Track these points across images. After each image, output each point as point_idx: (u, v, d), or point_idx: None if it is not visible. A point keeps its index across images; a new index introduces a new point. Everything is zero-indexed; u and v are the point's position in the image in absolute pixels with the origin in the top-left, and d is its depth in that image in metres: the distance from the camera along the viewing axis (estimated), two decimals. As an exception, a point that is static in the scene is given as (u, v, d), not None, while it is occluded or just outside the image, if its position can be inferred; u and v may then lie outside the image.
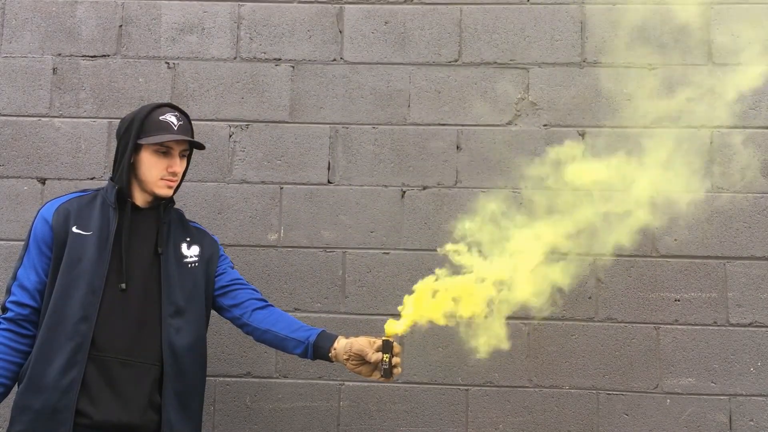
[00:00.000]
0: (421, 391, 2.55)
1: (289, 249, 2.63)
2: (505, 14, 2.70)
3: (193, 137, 2.09)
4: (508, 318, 2.54)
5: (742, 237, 2.55)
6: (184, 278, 2.03)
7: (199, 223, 2.26)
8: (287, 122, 2.70)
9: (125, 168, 2.00)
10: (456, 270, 2.10)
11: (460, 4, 2.71)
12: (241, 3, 2.76)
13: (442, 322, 2.00)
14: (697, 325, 2.52)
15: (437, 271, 2.07)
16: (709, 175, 2.58)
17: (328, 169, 2.67)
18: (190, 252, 2.08)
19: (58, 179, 2.68)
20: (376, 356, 1.92)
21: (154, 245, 2.01)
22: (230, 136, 2.70)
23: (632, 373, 2.51)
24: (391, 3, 2.74)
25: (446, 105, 2.67)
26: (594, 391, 2.52)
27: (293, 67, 2.73)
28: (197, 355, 2.03)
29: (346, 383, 2.55)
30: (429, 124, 2.67)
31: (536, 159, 2.57)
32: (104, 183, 2.17)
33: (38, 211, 2.02)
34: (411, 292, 2.04)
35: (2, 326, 1.94)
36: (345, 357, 1.95)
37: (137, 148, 2.00)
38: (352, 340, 1.96)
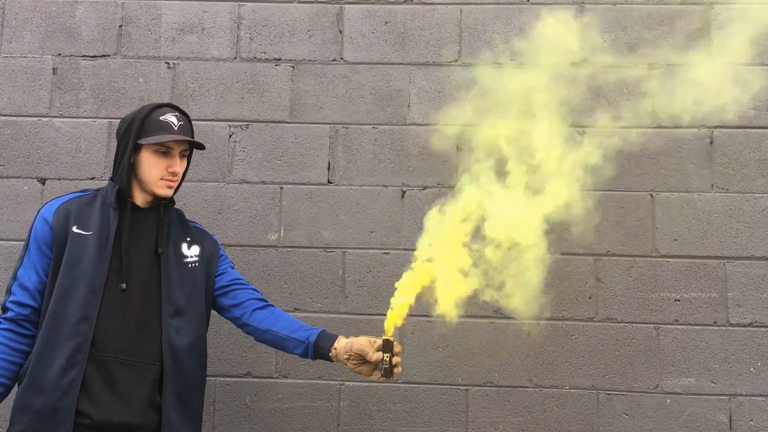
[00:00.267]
0: (421, 391, 2.55)
1: (289, 249, 2.63)
2: (505, 14, 2.70)
3: (193, 137, 2.09)
4: (509, 318, 2.55)
5: (742, 237, 2.55)
6: (184, 278, 2.03)
7: (199, 223, 2.26)
8: (287, 122, 2.70)
9: (125, 168, 1.99)
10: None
11: (460, 4, 2.71)
12: (241, 3, 2.77)
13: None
14: (697, 325, 2.52)
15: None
16: (709, 175, 2.58)
17: (328, 169, 2.67)
18: (191, 252, 2.08)
19: (58, 179, 2.68)
20: (376, 356, 1.92)
21: (154, 245, 2.01)
22: (230, 136, 2.70)
23: (632, 373, 2.51)
24: (391, 3, 2.74)
25: (446, 105, 2.67)
26: (594, 391, 2.52)
27: (293, 67, 2.73)
28: (197, 355, 2.02)
29: (346, 383, 2.55)
30: (429, 124, 2.67)
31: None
32: (104, 183, 2.17)
33: (38, 211, 2.02)
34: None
35: (2, 326, 1.94)
36: (345, 357, 1.95)
37: (137, 148, 2.00)
38: (353, 339, 1.97)
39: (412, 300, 2.02)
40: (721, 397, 2.49)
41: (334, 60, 2.73)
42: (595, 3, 2.67)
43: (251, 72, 2.73)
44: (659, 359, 2.51)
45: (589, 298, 2.56)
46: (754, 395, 2.48)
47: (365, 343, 1.94)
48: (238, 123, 2.70)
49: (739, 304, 2.52)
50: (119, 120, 2.11)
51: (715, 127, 2.61)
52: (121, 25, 2.77)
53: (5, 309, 1.97)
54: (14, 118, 2.72)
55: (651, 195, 2.59)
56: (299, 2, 2.76)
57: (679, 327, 2.53)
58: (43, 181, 2.69)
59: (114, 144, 2.14)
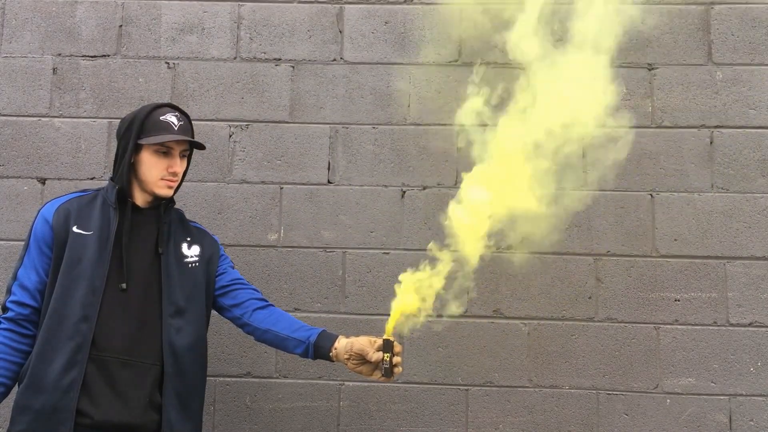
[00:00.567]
0: (421, 391, 2.55)
1: (289, 249, 2.63)
2: (505, 14, 2.70)
3: (193, 137, 2.09)
4: (509, 318, 2.55)
5: (742, 237, 2.55)
6: (184, 278, 2.03)
7: (199, 223, 2.26)
8: (287, 122, 2.70)
9: (125, 168, 1.99)
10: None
11: (460, 4, 2.71)
12: (241, 3, 2.77)
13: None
14: (697, 325, 2.52)
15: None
16: (709, 175, 2.59)
17: (328, 169, 2.67)
18: (191, 252, 2.08)
19: (58, 179, 2.68)
20: (376, 356, 1.92)
21: (154, 245, 2.01)
22: (230, 136, 2.70)
23: (632, 373, 2.51)
24: (391, 3, 2.74)
25: (446, 105, 2.67)
26: (594, 391, 2.52)
27: (293, 67, 2.73)
28: (197, 355, 2.03)
29: (346, 383, 2.55)
30: (429, 124, 2.67)
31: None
32: (104, 183, 2.17)
33: (38, 211, 2.02)
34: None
35: (3, 326, 1.94)
36: (346, 357, 1.96)
37: (137, 148, 2.00)
38: (353, 339, 1.97)
39: (413, 306, 2.02)
40: (721, 397, 2.49)
41: (334, 60, 2.73)
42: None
43: (251, 72, 2.73)
44: (659, 359, 2.51)
45: (589, 298, 2.56)
46: (754, 395, 2.48)
47: (365, 343, 1.94)
48: (238, 123, 2.70)
49: (739, 304, 2.52)
50: (119, 120, 2.11)
51: (715, 127, 2.61)
52: (121, 25, 2.77)
53: (5, 309, 1.97)
54: (14, 118, 2.72)
55: (651, 195, 2.59)
56: (299, 2, 2.76)
57: (679, 327, 2.53)
58: (43, 181, 2.69)
59: (114, 144, 2.14)
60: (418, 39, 2.71)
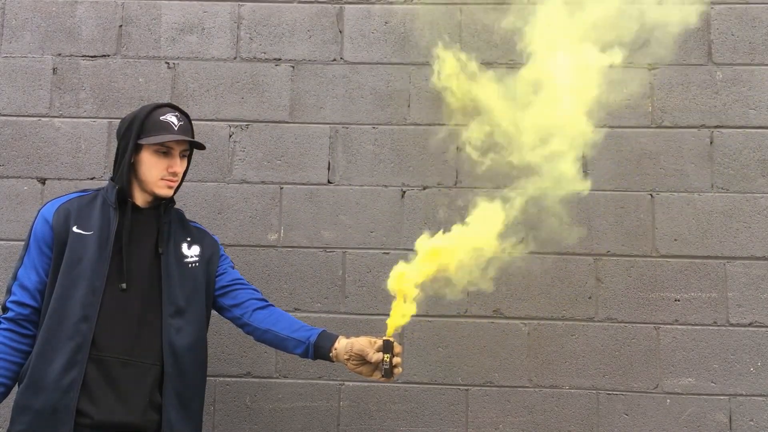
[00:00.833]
0: (421, 391, 2.55)
1: (289, 249, 2.63)
2: (505, 14, 2.70)
3: (193, 137, 2.09)
4: (509, 318, 2.55)
5: (742, 237, 2.55)
6: (184, 278, 2.03)
7: (199, 223, 2.26)
8: (287, 122, 2.70)
9: (126, 168, 1.99)
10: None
11: (460, 4, 2.71)
12: (241, 3, 2.77)
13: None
14: (697, 325, 2.52)
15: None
16: (709, 175, 2.59)
17: (328, 169, 2.67)
18: (191, 252, 2.08)
19: (58, 179, 2.68)
20: (376, 356, 1.92)
21: (154, 245, 2.01)
22: (230, 136, 2.70)
23: (632, 373, 2.51)
24: (391, 3, 2.74)
25: (446, 105, 2.67)
26: (594, 391, 2.52)
27: (293, 67, 2.73)
28: (197, 355, 2.02)
29: (346, 383, 2.55)
30: (429, 124, 2.67)
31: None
32: (104, 183, 2.17)
33: (38, 211, 2.02)
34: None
35: (3, 326, 1.94)
36: (346, 357, 1.95)
37: (138, 148, 2.00)
38: (353, 340, 1.96)
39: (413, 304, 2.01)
40: (721, 397, 2.49)
41: (334, 60, 2.73)
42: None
43: (251, 72, 2.73)
44: (659, 359, 2.52)
45: (589, 298, 2.56)
46: (754, 395, 2.48)
47: (365, 344, 1.94)
48: (238, 123, 2.70)
49: (739, 304, 2.52)
50: (119, 120, 2.11)
51: (715, 127, 2.61)
52: (121, 25, 2.77)
53: (5, 309, 1.97)
54: (14, 118, 2.72)
55: (651, 195, 2.59)
56: (299, 2, 2.76)
57: (679, 327, 2.53)
58: (43, 181, 2.69)
59: (114, 144, 2.14)
60: (418, 39, 2.71)
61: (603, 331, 2.54)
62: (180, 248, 2.06)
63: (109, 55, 2.76)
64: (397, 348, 1.93)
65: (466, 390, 2.55)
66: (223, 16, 2.76)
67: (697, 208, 2.57)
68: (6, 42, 2.76)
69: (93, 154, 2.70)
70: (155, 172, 2.01)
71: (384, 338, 1.93)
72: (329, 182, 2.66)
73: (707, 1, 2.66)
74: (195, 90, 2.72)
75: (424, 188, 2.64)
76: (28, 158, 2.70)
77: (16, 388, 1.94)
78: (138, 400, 1.91)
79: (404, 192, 2.65)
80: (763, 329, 2.51)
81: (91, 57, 2.76)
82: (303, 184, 2.66)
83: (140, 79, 2.73)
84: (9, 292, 1.97)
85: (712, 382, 2.50)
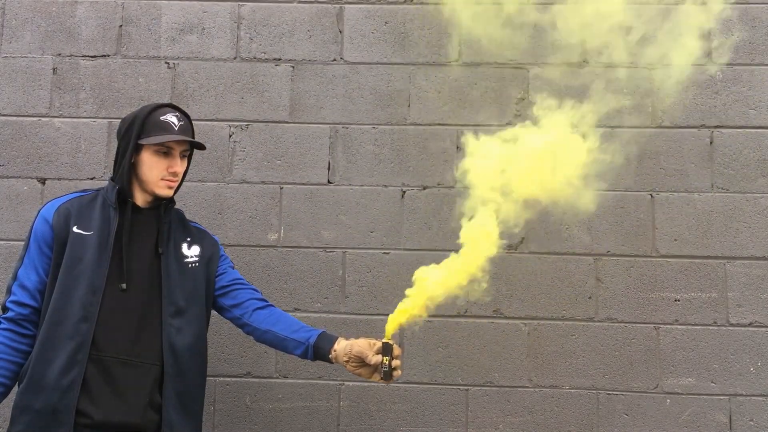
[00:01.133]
0: (421, 391, 2.55)
1: (289, 249, 2.63)
2: (505, 14, 2.70)
3: (193, 137, 2.09)
4: (509, 318, 2.55)
5: (742, 237, 2.55)
6: (184, 278, 2.03)
7: (199, 223, 2.26)
8: (287, 122, 2.70)
9: (126, 168, 1.99)
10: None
11: (460, 4, 2.71)
12: (241, 3, 2.76)
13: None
14: (697, 325, 2.52)
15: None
16: (709, 175, 2.59)
17: (328, 169, 2.67)
18: (191, 252, 2.08)
19: (58, 179, 2.68)
20: (375, 358, 1.92)
21: (154, 245, 2.01)
22: (230, 136, 2.70)
23: (632, 373, 2.52)
24: (391, 3, 2.74)
25: (446, 105, 2.67)
26: (594, 391, 2.52)
27: (293, 67, 2.73)
28: (197, 355, 2.02)
29: (346, 383, 2.55)
30: (429, 124, 2.67)
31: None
32: (104, 183, 2.17)
33: (38, 211, 2.02)
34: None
35: (3, 326, 1.94)
36: (345, 359, 1.95)
37: (138, 149, 2.00)
38: (352, 341, 1.96)
39: (417, 310, 2.00)
40: (721, 397, 2.49)
41: (334, 60, 2.73)
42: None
43: (251, 72, 2.73)
44: (659, 359, 2.52)
45: (589, 298, 2.56)
46: (754, 395, 2.48)
47: (365, 346, 1.94)
48: (238, 123, 2.70)
49: (739, 304, 2.52)
50: (119, 120, 2.11)
51: (715, 127, 2.61)
52: (121, 25, 2.77)
53: (5, 309, 1.97)
54: (14, 118, 2.72)
55: (651, 195, 2.59)
56: (299, 2, 2.76)
57: (679, 327, 2.53)
58: (43, 181, 2.69)
59: (114, 144, 2.14)
60: (418, 39, 2.71)
61: (603, 331, 2.54)
62: (180, 248, 2.06)
63: (109, 55, 2.76)
64: (397, 351, 1.93)
65: (466, 390, 2.55)
66: (223, 16, 2.76)
67: (697, 208, 2.57)
68: (6, 42, 2.76)
69: (93, 154, 2.70)
70: (155, 172, 2.01)
71: (383, 341, 1.93)
72: (329, 182, 2.66)
73: (707, 1, 2.66)
74: (195, 90, 2.72)
75: (424, 188, 2.64)
76: (28, 158, 2.70)
77: (16, 388, 1.94)
78: (138, 400, 1.91)
79: (404, 192, 2.65)
80: (763, 329, 2.51)
81: (91, 57, 2.76)
82: (303, 184, 2.66)
83: (140, 79, 2.74)
84: (9, 292, 1.97)
85: (712, 382, 2.50)
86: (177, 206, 2.15)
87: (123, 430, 1.89)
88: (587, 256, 2.57)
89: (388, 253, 2.62)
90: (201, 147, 2.10)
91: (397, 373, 1.93)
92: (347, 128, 2.68)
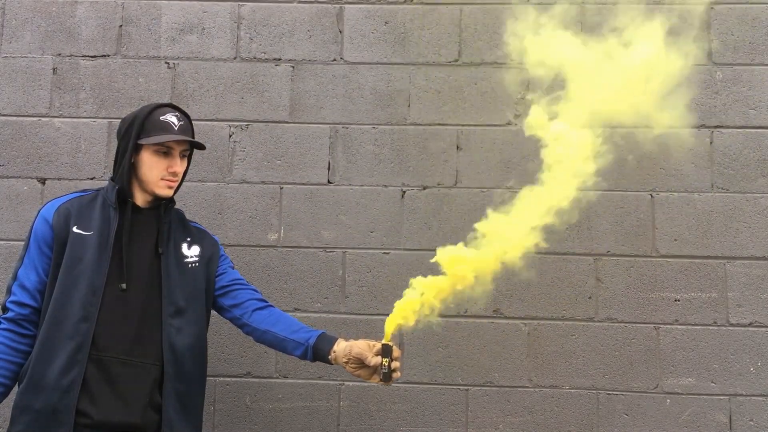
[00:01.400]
0: (421, 391, 2.55)
1: (289, 249, 2.63)
2: (505, 14, 2.70)
3: (193, 137, 2.09)
4: (509, 318, 2.55)
5: (742, 237, 2.55)
6: (184, 278, 2.03)
7: (199, 223, 2.26)
8: (287, 122, 2.70)
9: (126, 168, 1.99)
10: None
11: (460, 4, 2.71)
12: (241, 3, 2.76)
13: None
14: (697, 325, 2.52)
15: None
16: (709, 175, 2.59)
17: (328, 169, 2.67)
18: (191, 252, 2.08)
19: (58, 179, 2.68)
20: (375, 360, 1.91)
21: (154, 245, 2.01)
22: (230, 136, 2.70)
23: (632, 373, 2.51)
24: (391, 3, 2.74)
25: (446, 105, 2.67)
26: (594, 391, 2.52)
27: (293, 67, 2.73)
28: (197, 355, 2.03)
29: (346, 383, 2.55)
30: (429, 124, 2.67)
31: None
32: (104, 183, 2.17)
33: (38, 211, 2.02)
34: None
35: (2, 326, 1.94)
36: (344, 360, 1.95)
37: (138, 148, 2.00)
38: (352, 343, 1.96)
39: (414, 313, 1.99)
40: (721, 397, 2.49)
41: (334, 60, 2.73)
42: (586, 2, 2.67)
43: (251, 72, 2.73)
44: (659, 359, 2.52)
45: (589, 298, 2.56)
46: (754, 395, 2.48)
47: (364, 347, 1.94)
48: (238, 123, 2.70)
49: (739, 304, 2.52)
50: (119, 120, 2.11)
51: (715, 127, 2.61)
52: (121, 25, 2.77)
53: (5, 309, 1.97)
54: (14, 118, 2.72)
55: (651, 195, 2.59)
56: (299, 2, 2.76)
57: (679, 327, 2.53)
58: (43, 181, 2.69)
59: (114, 144, 2.14)
60: (418, 39, 2.71)
61: (603, 331, 2.54)
62: (180, 248, 2.06)
63: (109, 55, 2.76)
64: (396, 352, 1.92)
65: (466, 390, 2.55)
66: (223, 16, 2.76)
67: (697, 208, 2.57)
68: (6, 42, 2.77)
69: (93, 154, 2.70)
70: (155, 172, 2.01)
71: (383, 342, 1.92)
72: (329, 182, 2.66)
73: (708, 1, 2.66)
74: (195, 90, 2.72)
75: (424, 188, 2.64)
76: (28, 158, 2.70)
77: (16, 388, 1.94)
78: (138, 400, 1.91)
79: (404, 192, 2.65)
80: (763, 329, 2.51)
81: (91, 57, 2.76)
82: (303, 184, 2.66)
83: (140, 79, 2.74)
84: (9, 292, 1.97)
85: (712, 382, 2.50)
86: (177, 206, 2.15)
87: (123, 430, 1.89)
88: (587, 256, 2.57)
89: (388, 253, 2.62)
90: (201, 147, 2.10)
91: (396, 375, 1.93)
92: (347, 128, 2.68)
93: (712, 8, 2.66)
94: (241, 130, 2.70)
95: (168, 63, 2.74)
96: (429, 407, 2.54)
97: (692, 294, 2.54)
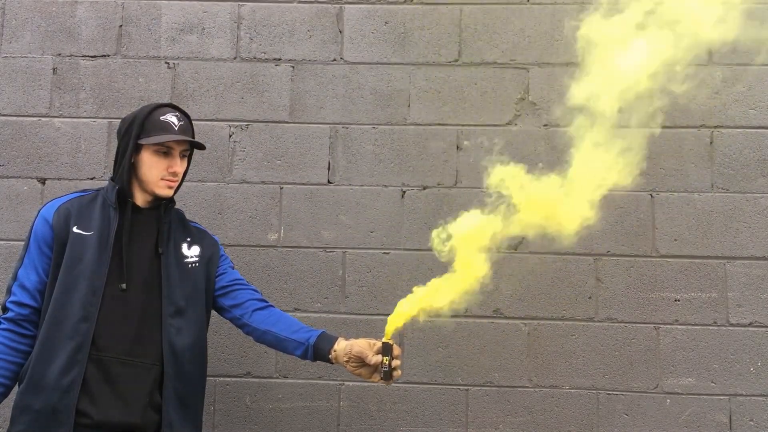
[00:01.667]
0: (421, 391, 2.55)
1: (289, 249, 2.63)
2: (505, 14, 2.70)
3: (193, 137, 2.09)
4: (509, 318, 2.55)
5: (742, 237, 2.55)
6: (184, 278, 2.03)
7: (199, 223, 2.26)
8: (287, 122, 2.70)
9: (126, 168, 1.99)
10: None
11: (460, 4, 2.71)
12: (241, 3, 2.77)
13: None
14: (697, 325, 2.52)
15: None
16: (709, 175, 2.59)
17: (328, 169, 2.67)
18: (191, 252, 2.08)
19: (58, 179, 2.68)
20: (375, 359, 1.91)
21: (154, 245, 2.01)
22: (230, 136, 2.70)
23: (632, 373, 2.52)
24: (391, 3, 2.74)
25: (446, 105, 2.67)
26: (594, 391, 2.52)
27: (293, 67, 2.73)
28: (197, 355, 2.03)
29: (346, 383, 2.55)
30: (429, 124, 2.67)
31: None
32: (104, 183, 2.17)
33: (38, 211, 2.02)
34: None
35: (2, 326, 1.94)
36: (345, 359, 1.95)
37: (138, 148, 2.00)
38: (352, 342, 1.96)
39: (414, 312, 1.99)
40: (721, 397, 2.49)
41: (334, 60, 2.73)
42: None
43: (251, 72, 2.73)
44: (659, 359, 2.52)
45: (589, 298, 2.56)
46: (754, 395, 2.48)
47: (365, 346, 1.94)
48: (238, 123, 2.70)
49: (739, 304, 2.52)
50: (119, 120, 2.11)
51: (715, 127, 2.61)
52: (121, 25, 2.77)
53: (5, 309, 1.97)
54: (14, 118, 2.72)
55: (651, 195, 2.59)
56: (299, 2, 2.76)
57: (679, 327, 2.53)
58: (43, 181, 2.69)
59: (114, 144, 2.14)
60: (418, 39, 2.71)
61: (603, 331, 2.54)
62: (180, 248, 2.06)
63: (109, 55, 2.76)
64: (397, 351, 1.92)
65: (466, 390, 2.55)
66: (223, 16, 2.76)
67: (697, 208, 2.57)
68: (6, 42, 2.77)
69: (93, 154, 2.70)
70: (155, 172, 2.01)
71: (383, 341, 1.93)
72: (329, 182, 2.67)
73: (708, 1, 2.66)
74: (195, 90, 2.72)
75: (424, 188, 2.64)
76: (28, 158, 2.70)
77: (16, 388, 1.94)
78: (138, 400, 1.91)
79: (404, 192, 2.65)
80: (763, 329, 2.51)
81: (91, 57, 2.76)
82: (303, 184, 2.66)
83: (140, 79, 2.74)
84: (9, 292, 1.97)
85: (712, 382, 2.50)
86: (177, 206, 2.15)
87: (123, 430, 1.89)
88: (587, 256, 2.57)
89: (388, 253, 2.62)
90: (201, 147, 2.10)
91: (397, 374, 1.93)
92: (347, 128, 2.68)
93: (711, 8, 2.65)
94: (241, 130, 2.70)
95: (168, 63, 2.74)
96: (429, 407, 2.54)
97: (692, 294, 2.54)
